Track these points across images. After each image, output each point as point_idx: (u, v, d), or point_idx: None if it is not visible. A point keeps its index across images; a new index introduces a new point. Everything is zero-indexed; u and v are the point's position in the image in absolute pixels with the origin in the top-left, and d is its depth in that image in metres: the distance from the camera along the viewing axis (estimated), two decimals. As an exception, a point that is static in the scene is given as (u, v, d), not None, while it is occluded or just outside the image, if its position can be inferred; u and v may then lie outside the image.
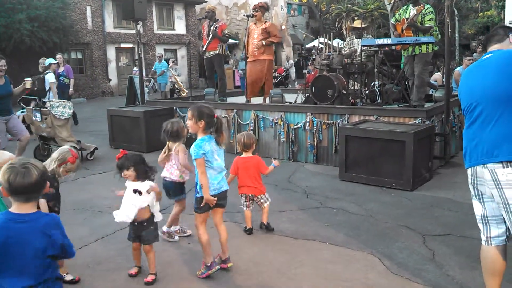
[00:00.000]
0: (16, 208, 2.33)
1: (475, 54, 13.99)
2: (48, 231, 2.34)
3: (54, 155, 3.77)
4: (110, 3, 24.66)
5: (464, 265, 3.92)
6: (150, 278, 3.77)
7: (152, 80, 17.72)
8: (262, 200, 4.84)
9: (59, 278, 2.55)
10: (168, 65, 17.51)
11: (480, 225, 3.17)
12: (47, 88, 10.66)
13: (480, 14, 31.71)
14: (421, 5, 7.51)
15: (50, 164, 3.71)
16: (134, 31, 10.36)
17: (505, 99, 2.89)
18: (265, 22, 9.28)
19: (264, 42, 9.02)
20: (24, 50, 18.94)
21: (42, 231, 2.32)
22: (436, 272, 3.83)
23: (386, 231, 4.77)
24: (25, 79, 7.45)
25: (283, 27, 30.60)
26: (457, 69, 10.58)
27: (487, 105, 2.97)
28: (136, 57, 17.48)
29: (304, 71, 21.81)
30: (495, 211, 3.04)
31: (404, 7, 8.02)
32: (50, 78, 10.77)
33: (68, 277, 3.83)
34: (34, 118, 7.95)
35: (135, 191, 3.74)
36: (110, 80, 24.55)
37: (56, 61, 11.60)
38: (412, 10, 7.66)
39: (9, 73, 7.42)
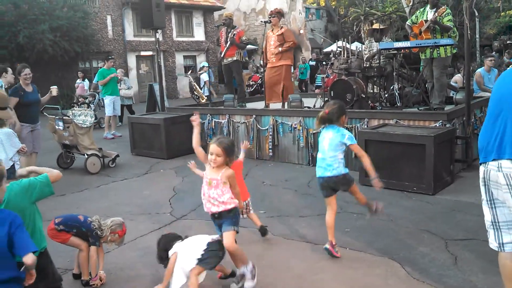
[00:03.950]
0: None
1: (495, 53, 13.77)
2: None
3: (109, 222, 4.02)
4: (130, 12, 25.02)
5: (488, 270, 3.86)
6: None
7: (97, 95, 14.32)
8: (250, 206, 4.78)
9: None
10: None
11: (491, 231, 3.05)
12: (201, 85, 13.70)
13: (502, 13, 31.26)
14: (443, 7, 7.45)
15: (104, 229, 3.98)
16: (153, 39, 10.53)
17: None
18: (281, 27, 9.32)
19: (280, 49, 9.06)
20: (47, 59, 19.34)
21: None
22: (458, 278, 3.78)
23: (407, 236, 4.72)
24: (51, 87, 7.60)
25: (301, 31, 30.63)
26: (478, 70, 10.43)
27: (510, 109, 2.88)
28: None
29: (318, 76, 21.50)
30: (506, 216, 2.95)
31: (421, 9, 7.97)
32: (204, 77, 14.80)
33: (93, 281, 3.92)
34: (57, 127, 8.09)
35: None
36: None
37: (207, 65, 15.83)
38: (430, 12, 7.61)
39: (33, 82, 7.58)
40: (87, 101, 12.97)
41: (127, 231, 4.14)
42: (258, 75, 22.14)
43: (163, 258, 3.65)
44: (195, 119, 4.00)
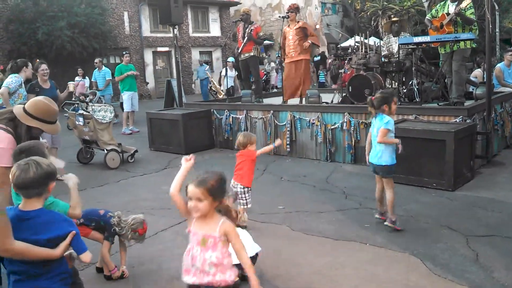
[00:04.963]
0: (22, 204, 2.47)
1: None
2: (47, 228, 2.45)
3: (130, 220, 4.04)
4: (146, 8, 25.14)
5: (510, 267, 3.83)
6: None
7: (98, 93, 13.39)
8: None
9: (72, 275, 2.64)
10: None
11: None
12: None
13: (522, 7, 30.64)
14: (466, 0, 7.35)
15: (125, 226, 4.00)
16: (170, 35, 10.64)
17: None
18: (298, 22, 9.32)
19: (305, 44, 9.03)
20: (66, 56, 19.55)
21: (42, 228, 2.43)
22: (480, 274, 3.76)
23: (427, 232, 4.70)
24: (69, 82, 7.69)
25: (317, 26, 30.47)
26: (498, 65, 10.29)
27: None
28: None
29: (321, 72, 21.23)
30: None
31: (442, 3, 7.87)
32: (230, 74, 14.95)
33: (116, 275, 3.98)
34: (77, 122, 8.20)
35: None
36: (148, 83, 25.03)
37: (233, 60, 15.30)
38: (451, 6, 7.52)
39: (52, 78, 7.67)
40: (87, 99, 12.30)
41: (148, 226, 4.18)
42: (263, 71, 21.97)
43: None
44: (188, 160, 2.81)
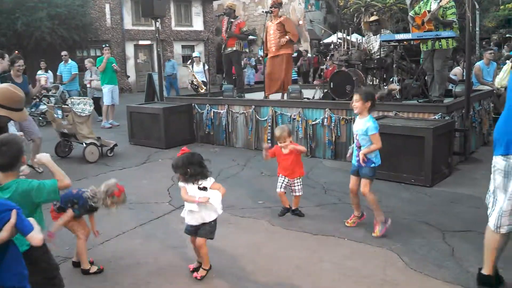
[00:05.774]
0: None
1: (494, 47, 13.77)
2: None
3: (102, 187, 3.90)
4: (128, 0, 24.87)
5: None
6: (199, 274, 3.81)
7: (61, 87, 12.54)
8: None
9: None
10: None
11: (495, 215, 3.28)
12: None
13: (502, 6, 31.14)
14: None
15: (100, 197, 3.87)
16: (152, 28, 10.52)
17: None
18: (280, 17, 9.29)
19: (283, 40, 9.01)
20: (45, 47, 19.24)
21: None
22: (456, 269, 3.81)
23: (405, 227, 4.75)
24: (39, 76, 7.56)
25: (300, 22, 30.51)
26: (478, 63, 10.43)
27: None
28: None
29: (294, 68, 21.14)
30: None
31: (425, 0, 7.93)
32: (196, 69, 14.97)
33: (93, 269, 3.93)
34: (55, 115, 8.08)
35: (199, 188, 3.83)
36: (129, 76, 24.79)
37: (199, 55, 16.24)
38: (433, 3, 7.58)
39: (30, 70, 7.56)
40: (50, 93, 11.57)
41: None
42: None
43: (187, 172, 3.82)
44: None
